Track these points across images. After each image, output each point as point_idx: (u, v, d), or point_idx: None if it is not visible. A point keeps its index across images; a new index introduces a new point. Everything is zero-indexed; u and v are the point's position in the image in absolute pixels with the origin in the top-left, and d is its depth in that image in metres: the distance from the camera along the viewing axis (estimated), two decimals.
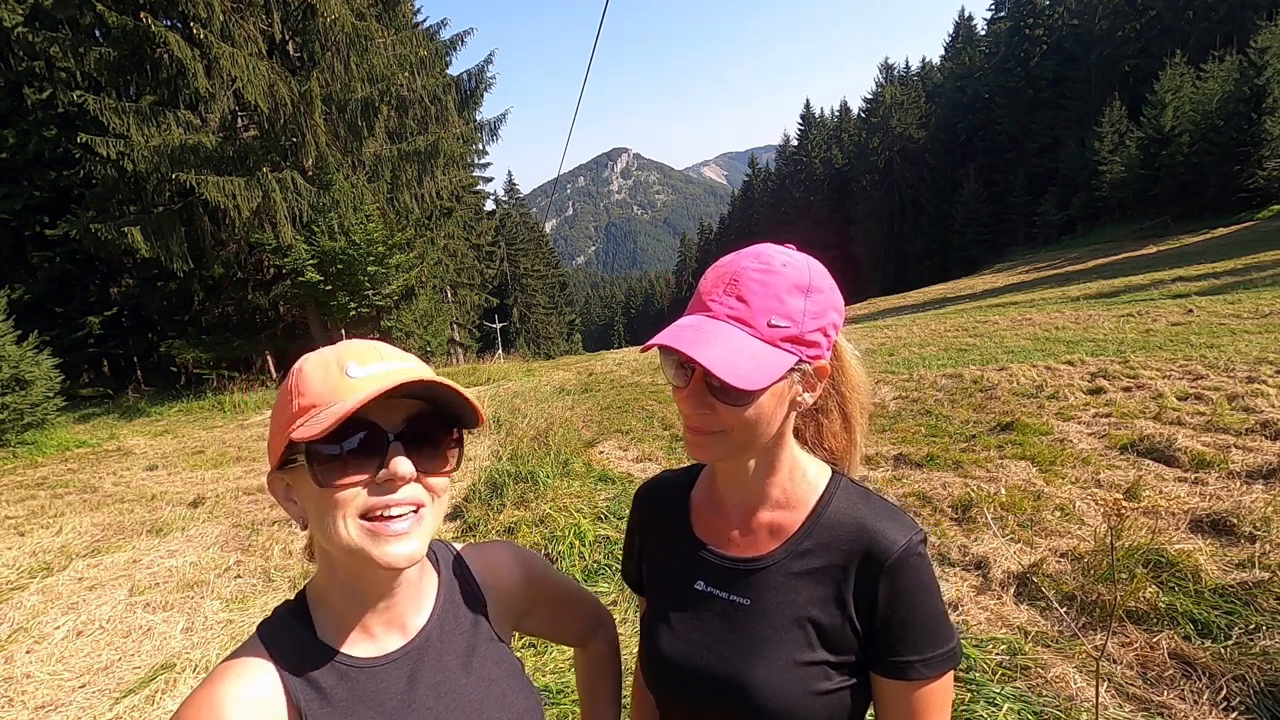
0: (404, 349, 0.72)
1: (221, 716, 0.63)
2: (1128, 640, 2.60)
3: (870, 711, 0.82)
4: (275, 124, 16.17)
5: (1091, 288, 18.48)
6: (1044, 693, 2.35)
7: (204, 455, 9.56)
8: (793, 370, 0.73)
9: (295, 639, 0.71)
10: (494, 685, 0.79)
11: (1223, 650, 2.44)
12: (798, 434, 0.85)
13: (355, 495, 0.64)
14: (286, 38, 16.87)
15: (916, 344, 11.83)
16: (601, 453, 6.70)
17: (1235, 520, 3.36)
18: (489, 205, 48.18)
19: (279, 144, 16.59)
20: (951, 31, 66.80)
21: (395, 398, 0.65)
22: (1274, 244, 19.63)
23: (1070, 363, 8.04)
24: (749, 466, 0.81)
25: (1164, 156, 34.72)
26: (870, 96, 69.46)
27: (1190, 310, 11.08)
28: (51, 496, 7.44)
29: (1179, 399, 5.86)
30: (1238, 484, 3.94)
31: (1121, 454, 4.71)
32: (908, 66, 72.64)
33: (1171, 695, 2.30)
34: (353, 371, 0.66)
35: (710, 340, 0.70)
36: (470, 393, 0.68)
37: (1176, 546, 3.08)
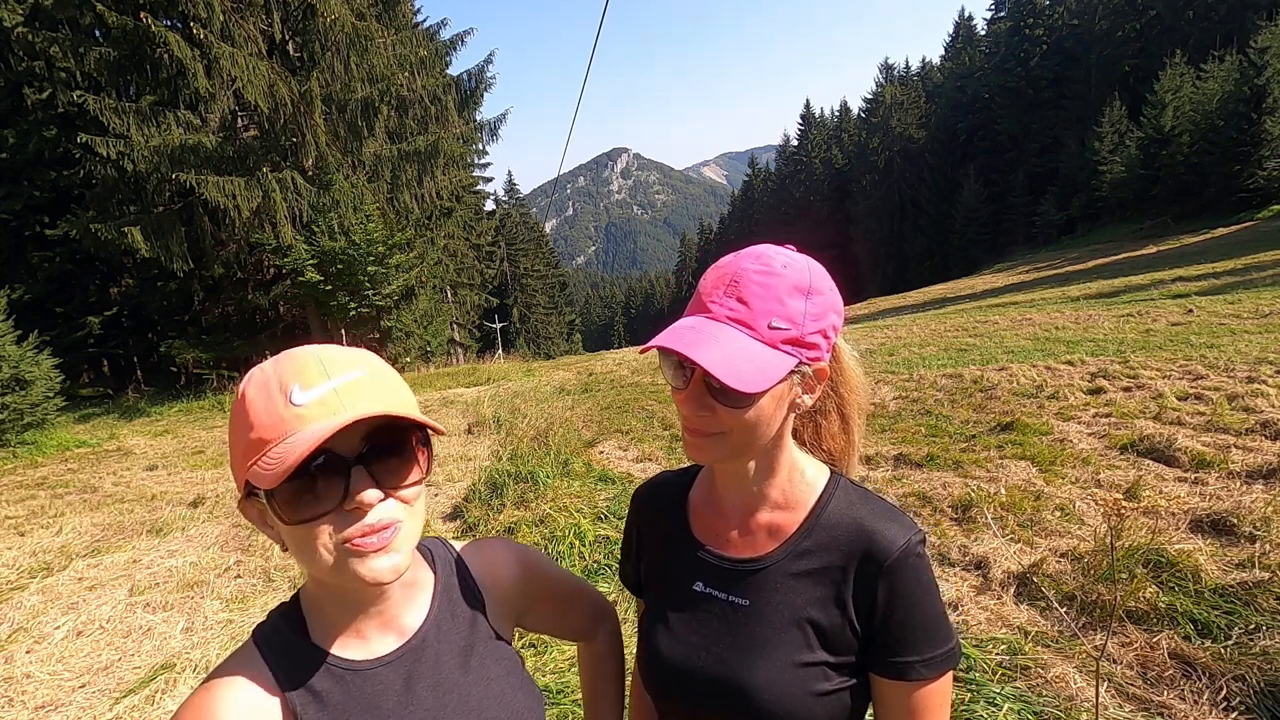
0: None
1: None
2: (1128, 640, 2.60)
3: (870, 712, 0.82)
4: (275, 124, 16.17)
5: (1091, 288, 18.48)
6: (1044, 693, 2.35)
7: (204, 455, 9.56)
8: (792, 372, 0.73)
9: (289, 643, 0.71)
10: (493, 684, 0.78)
11: (1223, 650, 2.44)
12: (796, 435, 0.85)
13: (325, 526, 0.62)
14: (286, 38, 16.87)
15: (916, 344, 11.83)
16: (601, 453, 6.70)
17: (1235, 520, 3.36)
18: (489, 205, 48.21)
19: (279, 144, 16.59)
20: (951, 31, 66.83)
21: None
22: (1274, 244, 19.63)
23: (1070, 363, 8.04)
24: (748, 467, 0.81)
25: (1164, 156, 34.72)
26: (870, 96, 69.47)
27: (1190, 310, 11.08)
28: (51, 496, 7.44)
29: (1179, 399, 5.86)
30: (1238, 484, 3.94)
31: (1121, 454, 4.71)
32: (908, 66, 72.68)
33: (1171, 695, 2.30)
34: (297, 398, 0.61)
35: (710, 342, 0.69)
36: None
37: (1176, 546, 3.08)
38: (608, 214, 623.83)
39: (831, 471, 0.85)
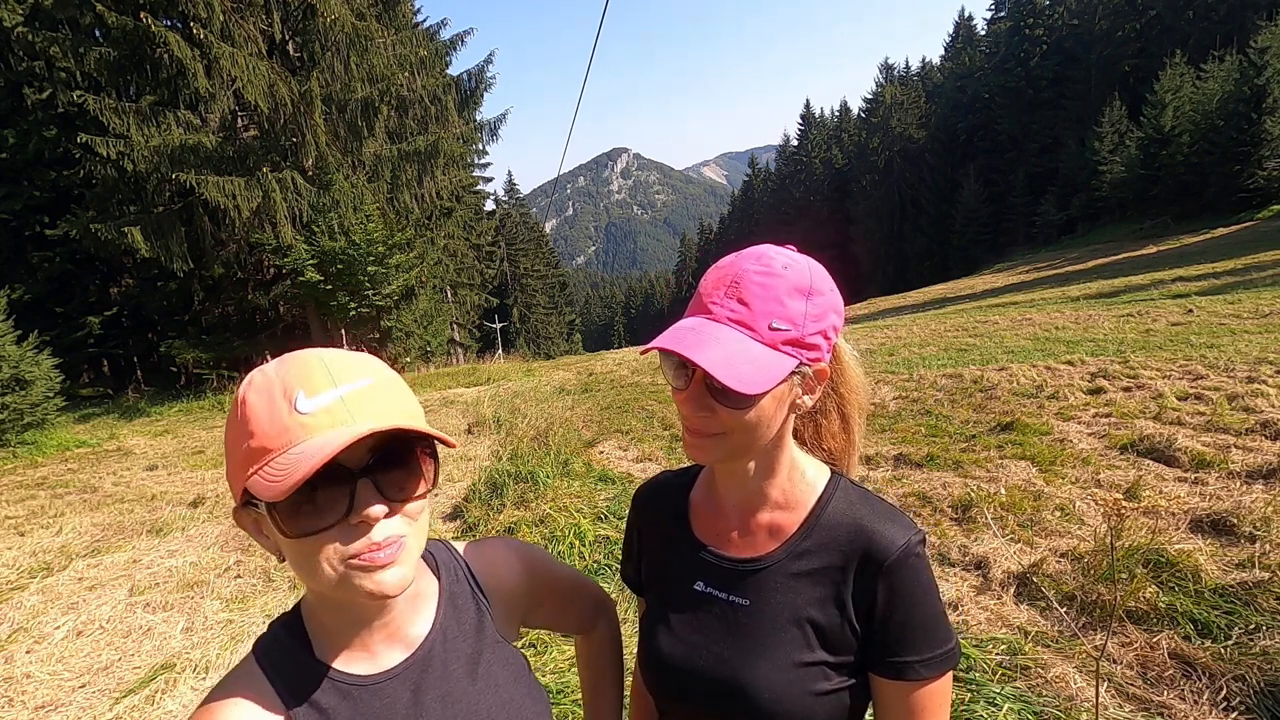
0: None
1: None
2: (1128, 640, 2.60)
3: (869, 712, 0.82)
4: (275, 124, 16.18)
5: (1091, 288, 18.48)
6: (1044, 693, 2.35)
7: (204, 455, 9.56)
8: (793, 373, 0.73)
9: (292, 658, 0.68)
10: (502, 691, 0.77)
11: (1223, 650, 2.44)
12: (796, 434, 0.85)
13: (328, 541, 0.60)
14: (286, 38, 16.87)
15: (916, 344, 11.83)
16: (601, 453, 6.70)
17: (1235, 520, 3.36)
18: (489, 205, 48.20)
19: (279, 144, 16.59)
20: (951, 31, 66.82)
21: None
22: (1274, 244, 19.63)
23: (1070, 363, 8.04)
24: (748, 468, 0.81)
25: (1164, 156, 34.72)
26: (870, 96, 69.45)
27: (1190, 310, 11.08)
28: (51, 496, 7.44)
29: (1179, 399, 5.86)
30: (1238, 484, 3.94)
31: (1121, 454, 4.71)
32: (908, 66, 72.67)
33: (1171, 695, 2.30)
34: (302, 406, 0.58)
35: (711, 343, 0.69)
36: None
37: (1176, 546, 3.08)
38: (608, 214, 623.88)
39: (832, 471, 0.86)
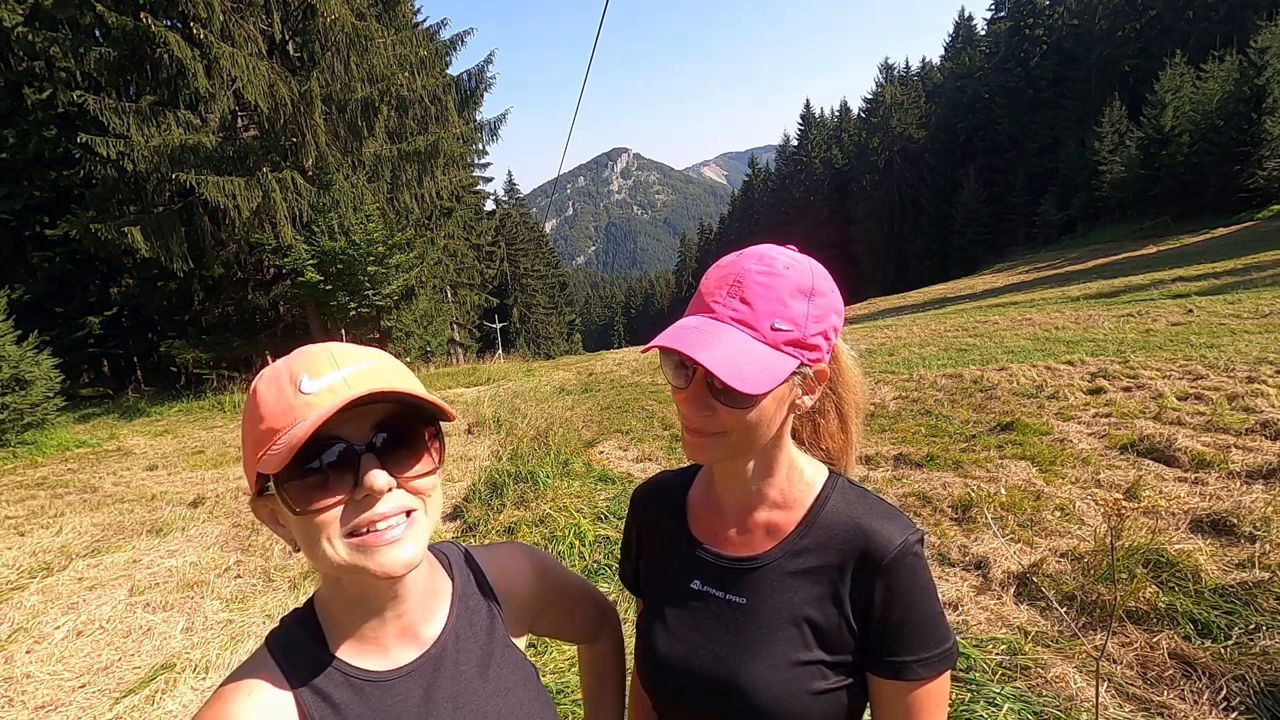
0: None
1: None
2: (1128, 640, 2.60)
3: (867, 712, 0.82)
4: (275, 124, 16.17)
5: (1091, 288, 18.48)
6: (1044, 693, 2.35)
7: (204, 455, 9.56)
8: (794, 374, 0.73)
9: (306, 652, 0.69)
10: (511, 694, 0.77)
11: (1223, 650, 2.44)
12: (794, 433, 0.85)
13: (335, 516, 0.61)
14: (286, 38, 16.87)
15: (916, 344, 11.83)
16: (601, 453, 6.70)
17: (1235, 520, 3.36)
18: (489, 205, 48.20)
19: (279, 144, 16.58)
20: (951, 31, 66.83)
21: (361, 405, 0.61)
22: (1274, 244, 19.63)
23: (1070, 363, 8.04)
24: (747, 467, 0.81)
25: (1164, 156, 34.72)
26: (870, 96, 69.45)
27: (1190, 310, 11.08)
28: (51, 496, 7.44)
29: (1179, 399, 5.86)
30: (1238, 484, 3.94)
31: (1121, 454, 4.71)
32: (908, 66, 72.66)
33: (1171, 695, 2.30)
34: (306, 387, 0.61)
35: (713, 342, 0.69)
36: (438, 394, 0.65)
37: (1176, 546, 3.08)
38: (608, 214, 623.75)
39: (830, 471, 0.85)
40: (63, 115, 17.09)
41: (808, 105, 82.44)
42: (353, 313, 16.68)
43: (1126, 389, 6.48)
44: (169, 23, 14.72)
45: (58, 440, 11.18)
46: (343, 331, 17.11)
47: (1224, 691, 2.26)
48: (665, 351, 0.73)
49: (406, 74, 17.68)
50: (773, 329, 0.71)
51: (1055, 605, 2.84)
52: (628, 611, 3.25)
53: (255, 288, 18.92)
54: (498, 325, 43.32)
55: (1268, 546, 3.08)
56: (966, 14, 65.65)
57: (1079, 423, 5.60)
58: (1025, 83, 51.46)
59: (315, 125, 15.93)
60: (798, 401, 0.77)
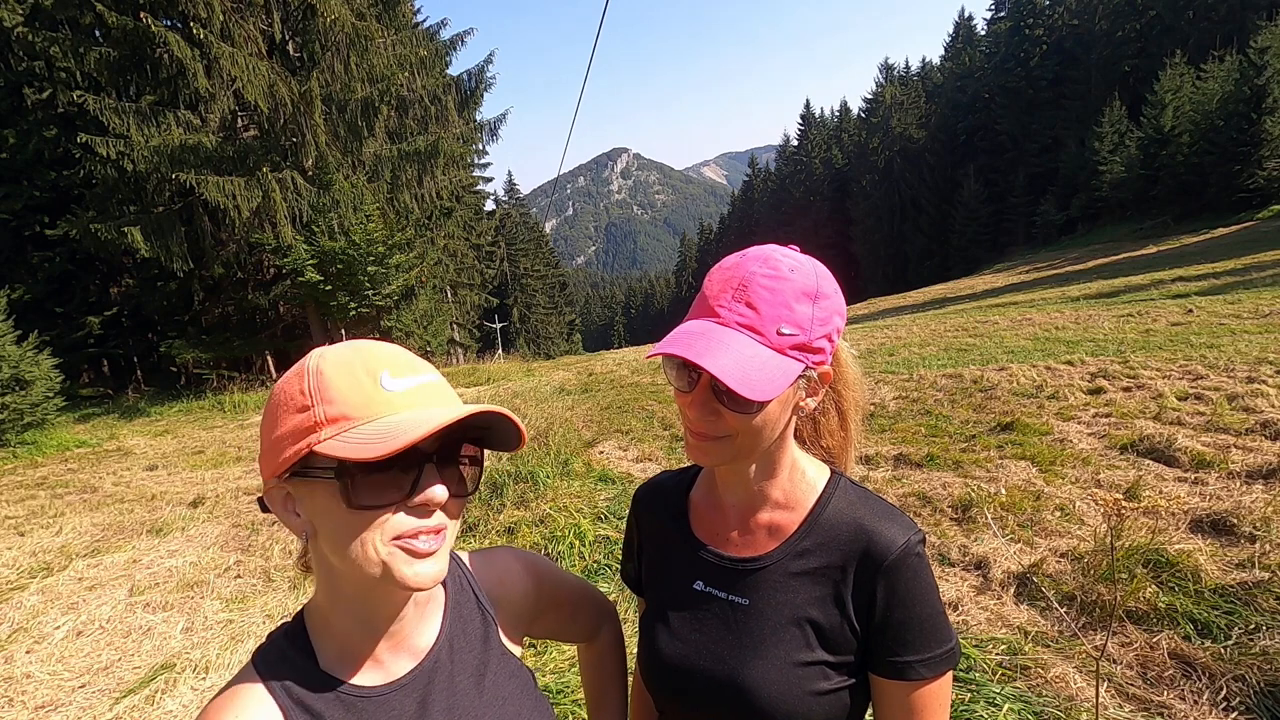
0: (403, 349, 0.70)
1: None
2: (1128, 640, 2.60)
3: (870, 712, 0.82)
4: (275, 124, 16.17)
5: (1091, 288, 18.49)
6: (1044, 693, 2.35)
7: (204, 455, 9.56)
8: (799, 377, 0.73)
9: (295, 669, 0.66)
10: (508, 704, 0.76)
11: (1223, 650, 2.44)
12: (796, 433, 0.85)
13: (386, 518, 0.60)
14: (286, 38, 16.87)
15: (916, 344, 11.83)
16: (601, 453, 6.70)
17: (1235, 520, 3.36)
18: (489, 205, 48.20)
19: (279, 144, 16.59)
20: (951, 32, 66.78)
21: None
22: (1274, 244, 19.63)
23: (1070, 363, 8.04)
24: (750, 468, 0.81)
25: (1164, 156, 34.72)
26: (870, 96, 69.46)
27: (1190, 310, 11.08)
28: (51, 496, 7.44)
29: (1179, 399, 5.86)
30: (1238, 484, 3.94)
31: (1121, 454, 4.71)
32: (908, 66, 72.64)
33: (1171, 695, 2.30)
34: (388, 384, 0.61)
35: (720, 349, 0.69)
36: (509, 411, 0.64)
37: (1176, 546, 3.08)
38: (608, 214, 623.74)
39: (832, 471, 0.85)
40: (63, 115, 17.09)
41: (808, 105, 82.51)
42: (353, 313, 16.68)
43: (1126, 389, 6.48)
44: (169, 23, 14.73)
45: (58, 440, 11.19)
46: (343, 331, 17.11)
47: (1224, 691, 2.26)
48: (669, 356, 0.73)
49: (406, 74, 17.68)
50: (778, 334, 0.70)
51: (1055, 605, 2.84)
52: (628, 612, 3.25)
53: (255, 288, 18.92)
54: (498, 325, 43.35)
55: (1268, 546, 3.08)
56: (966, 14, 65.63)
57: (1079, 423, 5.60)
58: (1025, 83, 51.45)
59: (315, 125, 15.93)
60: (801, 403, 0.77)
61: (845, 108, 77.53)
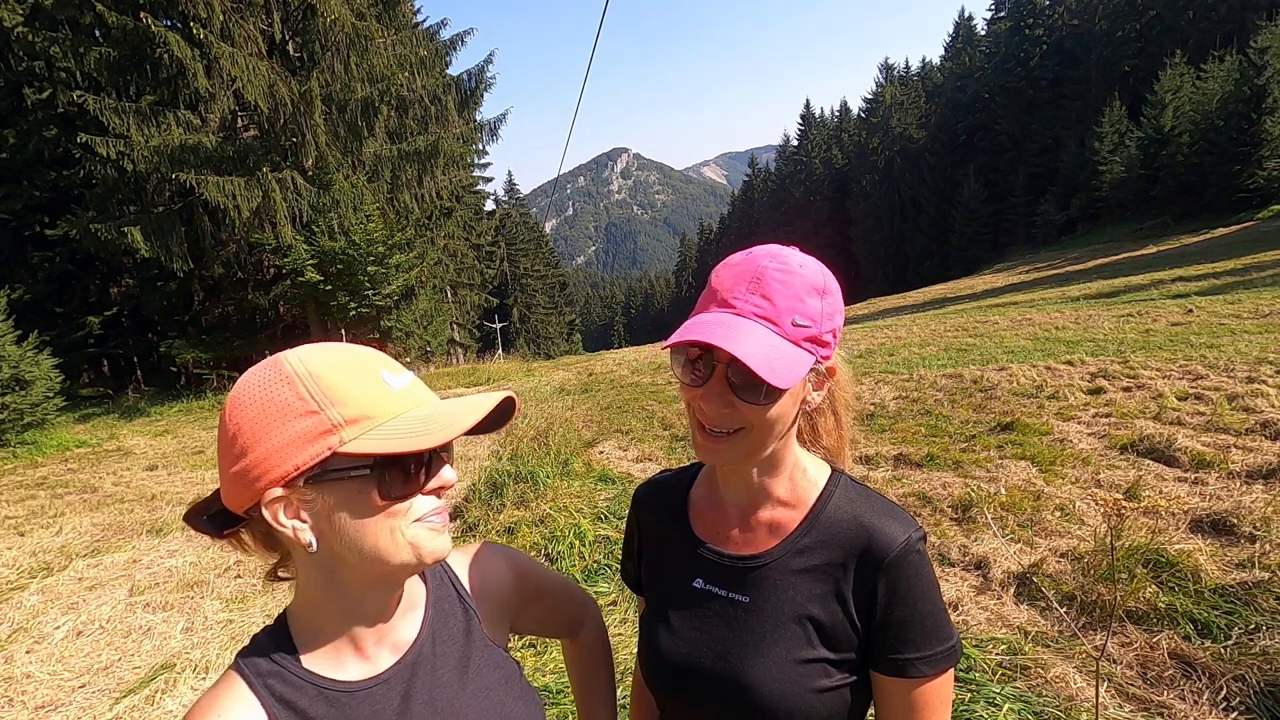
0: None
1: None
2: (1128, 640, 2.60)
3: (871, 710, 0.82)
4: (275, 124, 16.18)
5: (1091, 288, 18.48)
6: (1044, 693, 2.35)
7: (204, 455, 9.57)
8: (810, 370, 0.74)
9: (277, 668, 0.67)
10: (492, 694, 0.77)
11: (1223, 650, 2.44)
12: (797, 433, 0.85)
13: (411, 503, 0.65)
14: (286, 38, 16.87)
15: (916, 344, 11.83)
16: (601, 453, 6.70)
17: (1235, 520, 3.36)
18: (489, 205, 48.19)
19: (279, 144, 16.59)
20: (951, 32, 66.76)
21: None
22: (1274, 244, 19.63)
23: (1070, 363, 8.04)
24: (753, 466, 0.81)
25: (1164, 156, 34.72)
26: (870, 96, 69.45)
27: (1190, 310, 11.08)
28: (51, 496, 7.44)
29: (1179, 399, 5.86)
30: (1238, 484, 3.94)
31: (1121, 454, 4.71)
32: (908, 67, 72.63)
33: (1171, 695, 2.30)
34: (392, 382, 0.65)
35: (742, 337, 0.69)
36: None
37: (1176, 546, 3.08)
38: (608, 214, 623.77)
39: (832, 469, 0.86)
40: (63, 115, 17.10)
41: (808, 105, 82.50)
42: (353, 313, 16.69)
43: (1126, 389, 6.48)
44: (169, 23, 14.74)
45: (58, 440, 11.19)
46: (342, 331, 17.11)
47: (1224, 691, 2.26)
48: (682, 346, 0.73)
49: (406, 74, 17.69)
50: (793, 325, 0.72)
51: (1055, 605, 2.84)
52: (628, 611, 3.25)
53: (255, 288, 18.93)
54: (498, 325, 43.33)
55: (1268, 546, 3.08)
56: (966, 14, 65.61)
57: (1079, 423, 5.60)
58: (1025, 83, 51.44)
59: (315, 125, 15.93)
60: (808, 398, 0.78)
61: (845, 108, 77.53)
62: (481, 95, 20.42)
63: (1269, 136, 29.73)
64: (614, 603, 3.39)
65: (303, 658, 0.69)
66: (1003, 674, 2.48)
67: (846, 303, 0.82)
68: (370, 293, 16.71)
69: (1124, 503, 1.50)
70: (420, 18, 26.42)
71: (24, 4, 16.41)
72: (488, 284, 42.10)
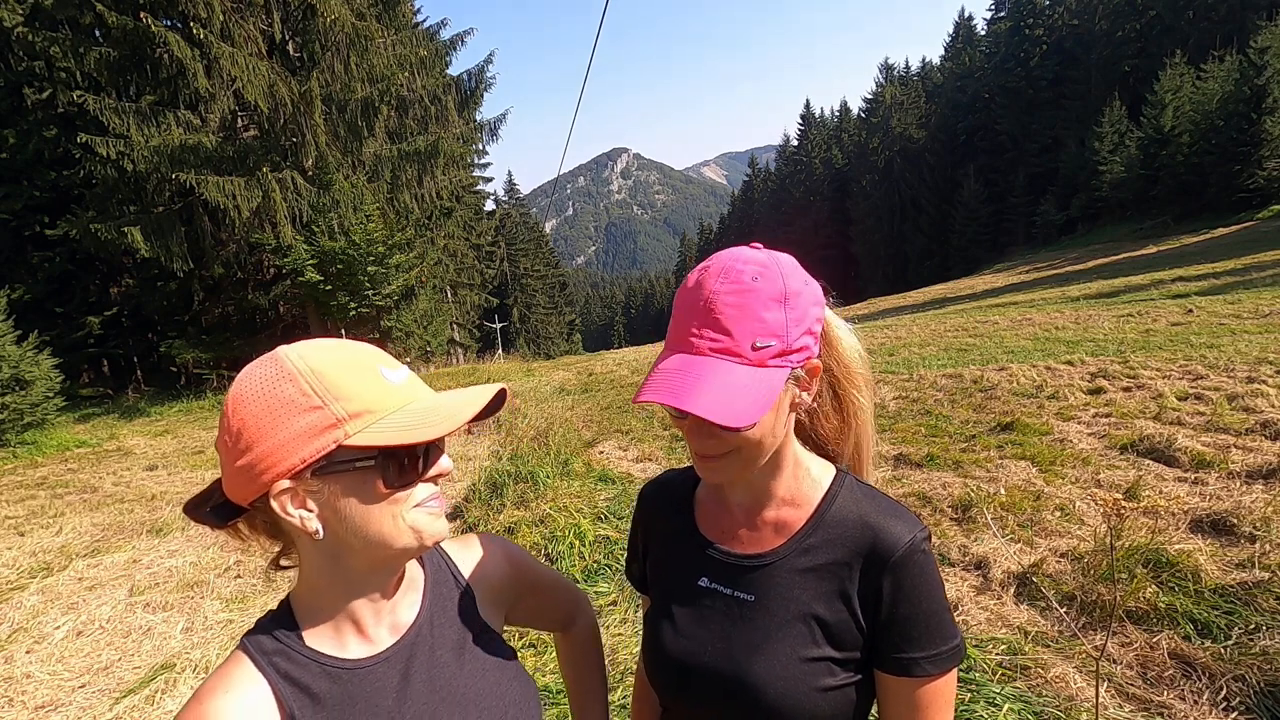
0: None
1: None
2: (1128, 640, 2.60)
3: (874, 709, 0.82)
4: (275, 124, 16.17)
5: (1091, 288, 18.49)
6: (1044, 693, 2.35)
7: (204, 455, 9.57)
8: (787, 379, 0.73)
9: (282, 647, 0.70)
10: (488, 674, 0.80)
11: (1223, 650, 2.44)
12: (798, 427, 0.84)
13: (412, 491, 0.68)
14: (286, 38, 16.87)
15: (916, 344, 11.83)
16: (601, 453, 6.70)
17: (1235, 520, 3.36)
18: (489, 205, 48.18)
19: (279, 144, 16.58)
20: (951, 31, 66.77)
21: None
22: (1274, 244, 19.63)
23: (1070, 363, 8.04)
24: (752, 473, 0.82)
25: (1164, 156, 34.72)
26: (870, 96, 69.48)
27: (1190, 310, 11.09)
28: (51, 496, 7.44)
29: (1179, 399, 5.86)
30: (1238, 484, 3.94)
31: (1121, 454, 4.71)
32: (908, 67, 72.64)
33: (1171, 695, 2.30)
34: (391, 377, 0.68)
35: (699, 385, 0.68)
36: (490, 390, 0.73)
37: (1176, 546, 3.08)
38: (608, 214, 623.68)
39: (837, 469, 0.85)
40: (63, 115, 17.08)
41: (808, 105, 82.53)
42: (353, 313, 16.69)
43: (1126, 389, 6.48)
44: (169, 23, 14.72)
45: (58, 440, 11.18)
46: (342, 331, 17.11)
47: (1224, 691, 2.26)
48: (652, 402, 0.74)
49: (406, 74, 17.68)
50: (754, 349, 0.70)
51: (1055, 605, 2.84)
52: (629, 611, 3.25)
53: (255, 288, 18.92)
54: (498, 325, 43.33)
55: (1268, 546, 3.08)
56: (966, 14, 65.61)
57: (1079, 423, 5.60)
58: (1025, 83, 51.45)
59: (315, 125, 15.93)
60: (797, 400, 0.77)
61: (845, 108, 77.55)
62: (481, 95, 20.41)
63: (1269, 136, 29.73)
64: (614, 602, 3.39)
65: (306, 637, 0.72)
66: (1003, 674, 2.48)
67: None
68: (370, 293, 16.70)
69: (1124, 503, 1.50)
70: (420, 18, 26.42)
71: (24, 4, 16.40)
72: (488, 284, 42.10)
